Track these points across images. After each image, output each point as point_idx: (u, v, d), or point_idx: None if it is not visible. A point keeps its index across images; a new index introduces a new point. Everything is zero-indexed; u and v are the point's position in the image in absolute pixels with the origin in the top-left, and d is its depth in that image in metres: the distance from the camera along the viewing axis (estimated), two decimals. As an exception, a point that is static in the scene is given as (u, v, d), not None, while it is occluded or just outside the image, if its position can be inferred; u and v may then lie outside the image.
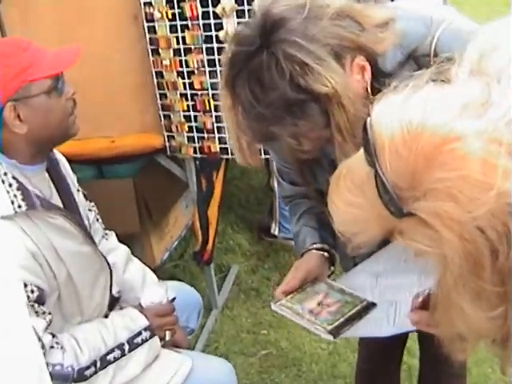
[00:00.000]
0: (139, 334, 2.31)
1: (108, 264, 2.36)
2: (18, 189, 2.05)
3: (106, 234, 2.65)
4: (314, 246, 2.07)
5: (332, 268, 2.08)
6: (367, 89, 1.65)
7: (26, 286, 2.01)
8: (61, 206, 2.27)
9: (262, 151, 3.06)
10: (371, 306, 1.89)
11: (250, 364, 3.61)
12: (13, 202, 2.02)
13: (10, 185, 2.05)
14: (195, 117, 3.25)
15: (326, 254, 2.06)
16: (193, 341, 3.50)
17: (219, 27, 3.01)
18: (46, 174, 2.26)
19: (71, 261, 2.16)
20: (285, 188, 2.22)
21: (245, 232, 4.67)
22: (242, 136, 1.69)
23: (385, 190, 1.10)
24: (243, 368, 3.57)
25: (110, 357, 2.22)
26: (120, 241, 3.65)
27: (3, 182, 2.04)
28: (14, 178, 2.07)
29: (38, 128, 2.10)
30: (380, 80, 1.67)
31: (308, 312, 1.89)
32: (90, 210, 2.56)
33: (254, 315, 3.95)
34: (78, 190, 2.49)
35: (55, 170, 2.32)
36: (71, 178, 2.44)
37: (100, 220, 2.62)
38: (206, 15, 3.01)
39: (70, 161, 3.35)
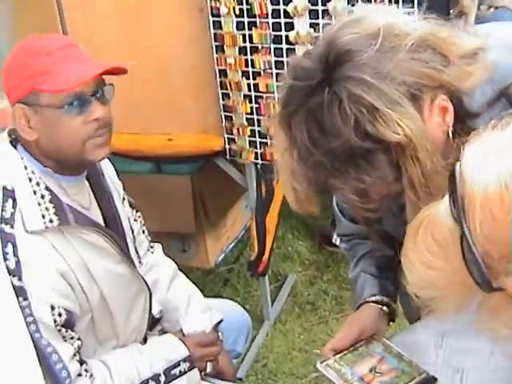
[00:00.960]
0: (178, 364, 2.12)
1: (147, 285, 2.16)
2: (50, 201, 1.88)
3: (152, 247, 2.46)
4: (373, 298, 1.85)
5: (391, 323, 1.85)
6: (448, 133, 1.39)
7: (53, 308, 1.85)
8: (100, 218, 2.09)
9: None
10: (431, 380, 1.66)
11: (299, 387, 3.39)
12: (44, 216, 1.85)
13: (43, 196, 1.88)
14: (258, 121, 3.04)
15: (385, 308, 1.84)
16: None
17: (290, 27, 2.79)
18: (86, 183, 2.08)
19: (105, 281, 1.99)
20: (343, 225, 1.99)
21: (305, 239, 4.46)
22: (297, 185, 1.44)
23: (472, 256, 0.90)
24: (292, 390, 3.36)
25: None
26: (175, 239, 3.51)
27: (35, 192, 1.87)
28: (47, 188, 1.90)
29: (47, 141, 1.91)
30: (465, 122, 1.41)
31: (358, 379, 1.66)
32: (135, 221, 2.37)
33: (307, 332, 3.74)
34: (124, 199, 2.30)
35: (97, 179, 2.13)
36: (116, 187, 2.24)
37: (146, 232, 2.43)
38: (276, 13, 2.80)
39: (125, 156, 3.25)
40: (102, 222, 2.09)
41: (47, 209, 1.86)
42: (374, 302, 1.84)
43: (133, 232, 2.30)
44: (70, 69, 1.84)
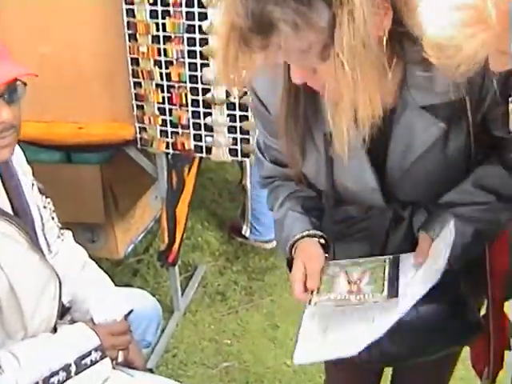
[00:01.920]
0: (89, 354, 2.08)
1: (57, 273, 2.12)
2: None
3: (62, 235, 2.40)
4: (307, 232, 1.85)
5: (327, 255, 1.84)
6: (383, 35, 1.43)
7: None
8: (7, 205, 2.04)
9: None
10: (396, 258, 1.74)
11: (209, 376, 3.40)
12: None
13: None
14: (170, 110, 3.03)
15: (322, 240, 1.84)
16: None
17: (203, 17, 2.79)
18: None
19: (13, 270, 1.93)
20: (266, 167, 1.97)
21: (215, 229, 4.45)
22: (236, 19, 1.39)
23: None
24: (202, 380, 3.38)
25: (54, 379, 2.00)
26: (83, 230, 3.46)
27: None
28: None
29: None
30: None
31: (349, 294, 1.70)
32: (44, 207, 2.32)
33: (217, 322, 3.75)
34: (33, 185, 2.25)
35: (4, 166, 2.07)
36: (25, 173, 2.19)
37: (56, 219, 2.38)
38: (189, 3, 2.79)
39: (35, 144, 3.18)
40: (9, 210, 2.04)
41: None
42: (308, 236, 1.84)
43: (42, 219, 2.25)
44: None
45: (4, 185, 2.06)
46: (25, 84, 1.93)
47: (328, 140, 1.65)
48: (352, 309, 1.70)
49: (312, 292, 1.74)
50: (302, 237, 1.85)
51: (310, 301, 1.73)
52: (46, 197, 2.34)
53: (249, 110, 2.89)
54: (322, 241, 1.84)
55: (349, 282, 1.72)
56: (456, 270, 1.66)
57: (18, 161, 2.17)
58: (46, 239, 2.23)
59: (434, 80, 1.56)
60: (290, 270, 1.83)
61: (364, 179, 1.74)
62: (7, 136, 1.86)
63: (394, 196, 1.78)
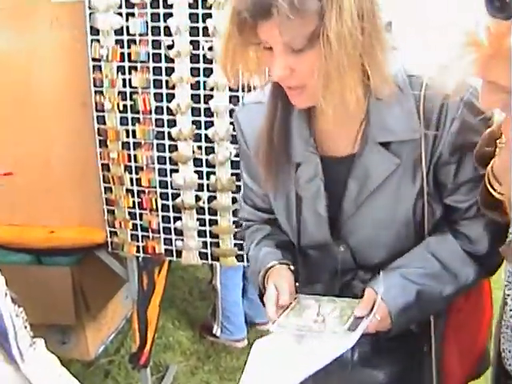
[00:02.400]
0: None
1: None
2: None
3: (34, 343, 2.39)
4: (279, 261, 1.89)
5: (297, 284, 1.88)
6: None
7: None
8: None
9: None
10: None
11: None
12: None
13: None
14: (140, 215, 3.07)
15: (292, 267, 1.88)
16: None
17: (172, 124, 2.86)
18: None
19: None
20: (246, 210, 2.08)
21: (186, 329, 4.44)
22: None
23: None
24: None
25: None
26: (54, 331, 3.44)
27: None
28: None
29: None
30: None
31: (313, 322, 1.73)
32: (17, 316, 2.31)
33: (188, 425, 3.71)
34: (6, 294, 2.25)
35: None
36: None
37: (28, 327, 2.37)
38: (159, 110, 2.86)
39: (5, 247, 3.20)
40: None
41: None
42: (279, 263, 1.88)
43: (15, 328, 2.24)
44: None
45: None
46: None
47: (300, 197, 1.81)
48: (305, 341, 1.75)
49: (281, 314, 1.78)
50: (274, 265, 1.88)
51: (274, 322, 1.76)
52: (19, 306, 2.33)
53: (217, 214, 2.94)
54: (292, 267, 1.88)
55: (317, 314, 1.77)
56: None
57: None
58: (18, 348, 2.21)
59: (393, 118, 1.68)
60: (262, 302, 1.87)
61: (316, 205, 1.81)
62: None
63: (343, 238, 1.84)
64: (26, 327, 2.29)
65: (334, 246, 1.85)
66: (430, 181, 1.74)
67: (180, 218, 3.01)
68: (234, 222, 2.94)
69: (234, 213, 2.91)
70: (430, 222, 1.80)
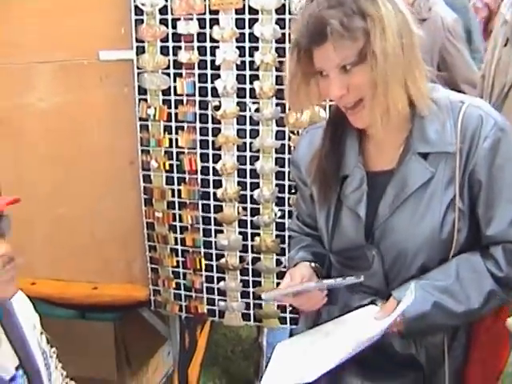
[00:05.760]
0: None
1: None
2: None
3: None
4: (305, 260, 2.11)
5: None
6: None
7: None
8: (13, 357, 1.99)
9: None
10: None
11: None
12: None
13: None
14: (184, 274, 3.06)
15: (314, 264, 2.08)
16: None
17: (218, 185, 2.86)
18: None
19: None
20: (295, 224, 2.29)
21: (228, 388, 4.40)
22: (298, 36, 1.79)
23: None
24: None
25: None
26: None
27: None
28: None
29: None
30: None
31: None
32: (51, 357, 2.29)
33: None
34: (42, 333, 2.23)
35: (6, 317, 2.03)
36: (31, 321, 2.17)
37: (59, 366, 2.35)
38: (205, 170, 2.87)
39: (49, 302, 3.20)
40: (15, 361, 2.01)
41: None
42: (303, 261, 2.10)
43: (49, 367, 2.22)
44: None
45: (7, 336, 2.04)
46: (8, 218, 1.91)
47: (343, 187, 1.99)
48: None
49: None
50: (299, 262, 2.10)
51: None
52: (52, 346, 2.32)
53: (261, 275, 2.92)
54: (315, 265, 2.08)
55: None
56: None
57: (24, 310, 2.14)
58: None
59: (433, 132, 1.86)
60: None
61: (357, 210, 1.96)
62: (10, 270, 1.85)
63: (376, 243, 1.95)
64: (56, 367, 2.28)
65: (367, 250, 1.96)
66: (463, 196, 1.87)
67: (224, 279, 3.00)
68: (277, 285, 2.91)
69: (278, 275, 2.89)
70: (459, 237, 1.89)
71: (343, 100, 1.82)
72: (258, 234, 2.89)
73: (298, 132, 2.72)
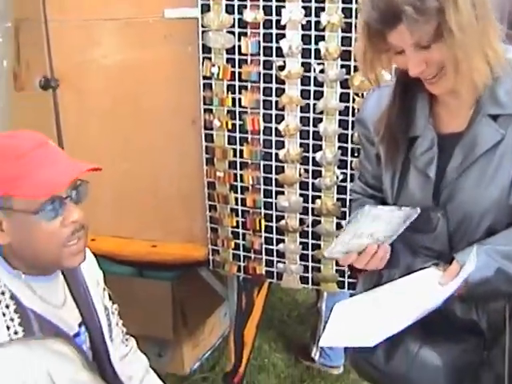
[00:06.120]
0: None
1: None
2: (15, 311, 1.79)
3: (127, 340, 2.38)
4: None
5: None
6: None
7: None
8: (75, 314, 2.01)
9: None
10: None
11: None
12: (8, 327, 1.77)
13: (7, 306, 1.79)
14: (243, 235, 3.05)
15: None
16: None
17: (280, 146, 2.84)
18: (61, 278, 2.00)
19: None
20: (358, 185, 2.26)
21: (282, 351, 4.38)
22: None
23: None
24: None
25: None
26: (151, 344, 3.44)
27: None
28: (12, 297, 1.81)
29: (21, 245, 1.81)
30: None
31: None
32: (112, 313, 2.30)
33: None
34: (104, 289, 2.24)
35: (72, 274, 2.04)
36: (95, 278, 2.18)
37: (120, 323, 2.36)
38: (267, 131, 2.85)
39: (109, 258, 3.23)
40: (78, 317, 2.02)
41: (12, 319, 1.78)
42: None
43: (110, 324, 2.23)
44: (43, 173, 1.75)
45: (72, 292, 2.05)
46: (87, 183, 1.90)
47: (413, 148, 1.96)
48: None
49: None
50: None
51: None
52: (113, 303, 2.33)
53: (321, 238, 2.90)
54: None
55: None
56: None
57: (89, 267, 2.14)
58: (112, 344, 2.21)
59: (504, 94, 1.84)
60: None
61: (427, 171, 1.94)
62: (80, 238, 1.84)
63: (442, 205, 1.93)
64: (117, 324, 2.29)
65: (432, 212, 1.94)
66: None
67: (283, 241, 2.99)
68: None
69: (338, 238, 2.86)
70: None
71: (423, 74, 1.79)
72: (319, 197, 2.87)
73: (362, 94, 2.68)
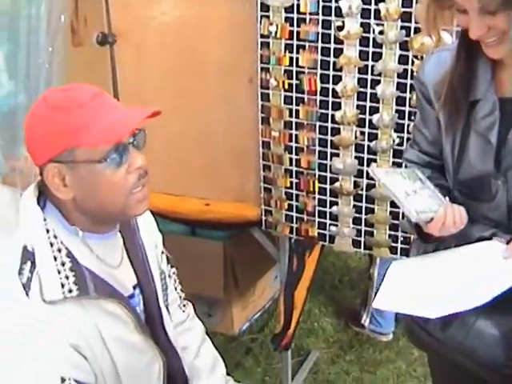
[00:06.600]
0: None
1: (161, 354, 2.08)
2: (71, 269, 1.77)
3: (184, 306, 2.37)
4: None
5: None
6: None
7: (63, 381, 1.74)
8: (131, 275, 2.00)
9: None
10: None
11: None
12: (63, 285, 1.75)
13: (63, 263, 1.77)
14: (297, 196, 3.04)
15: None
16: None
17: (337, 107, 2.80)
18: (120, 239, 1.99)
19: (117, 350, 1.87)
20: (411, 153, 2.22)
21: (332, 316, 4.40)
22: None
23: None
24: None
25: None
26: (201, 303, 3.45)
27: (55, 259, 1.77)
28: (68, 255, 1.79)
29: (86, 199, 1.79)
30: None
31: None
32: (169, 277, 2.30)
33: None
34: (163, 253, 2.23)
35: (130, 234, 2.04)
36: (154, 242, 2.16)
37: (179, 288, 2.35)
38: (324, 92, 2.81)
39: (161, 216, 3.24)
40: (133, 279, 2.02)
41: (67, 277, 1.76)
42: None
43: (167, 289, 2.22)
44: (105, 121, 1.73)
45: (128, 253, 2.05)
46: (145, 131, 1.87)
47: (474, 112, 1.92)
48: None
49: None
50: None
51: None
52: (172, 266, 2.32)
53: (375, 202, 2.87)
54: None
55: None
56: None
57: (147, 229, 2.13)
58: (167, 309, 2.21)
59: None
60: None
61: (489, 136, 1.90)
62: (144, 185, 1.81)
63: (503, 172, 1.90)
64: (176, 288, 2.29)
65: (492, 179, 1.91)
66: None
67: (336, 203, 2.96)
68: (390, 213, 2.86)
69: (392, 203, 2.81)
70: None
71: (482, 37, 1.76)
72: (375, 160, 2.83)
73: (421, 57, 2.62)
